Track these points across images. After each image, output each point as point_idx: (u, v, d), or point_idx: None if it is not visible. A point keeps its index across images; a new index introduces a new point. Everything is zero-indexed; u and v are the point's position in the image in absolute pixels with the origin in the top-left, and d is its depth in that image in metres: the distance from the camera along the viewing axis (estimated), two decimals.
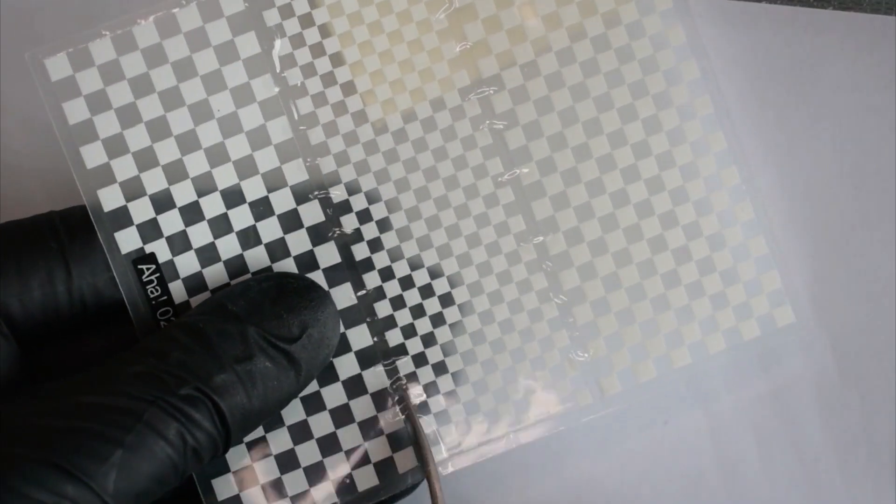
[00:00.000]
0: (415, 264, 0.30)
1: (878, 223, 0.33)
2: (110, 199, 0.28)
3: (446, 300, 0.30)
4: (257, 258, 0.29)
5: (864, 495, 0.32)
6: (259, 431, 0.29)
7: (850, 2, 0.33)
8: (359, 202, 0.29)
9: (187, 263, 0.28)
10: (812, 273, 0.33)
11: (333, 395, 0.29)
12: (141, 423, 0.24)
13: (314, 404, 0.29)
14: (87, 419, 0.24)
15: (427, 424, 0.29)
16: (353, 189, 0.29)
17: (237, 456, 0.29)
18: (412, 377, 0.29)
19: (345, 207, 0.29)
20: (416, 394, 0.29)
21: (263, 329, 0.27)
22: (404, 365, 0.29)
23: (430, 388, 0.30)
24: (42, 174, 0.32)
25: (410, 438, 0.29)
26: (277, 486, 0.29)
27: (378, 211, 0.29)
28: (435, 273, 0.30)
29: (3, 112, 0.33)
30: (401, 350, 0.29)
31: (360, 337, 0.29)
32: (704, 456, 0.32)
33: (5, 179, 0.32)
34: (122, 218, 0.28)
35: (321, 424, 0.29)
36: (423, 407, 0.29)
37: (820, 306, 0.33)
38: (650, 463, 0.32)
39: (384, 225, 0.29)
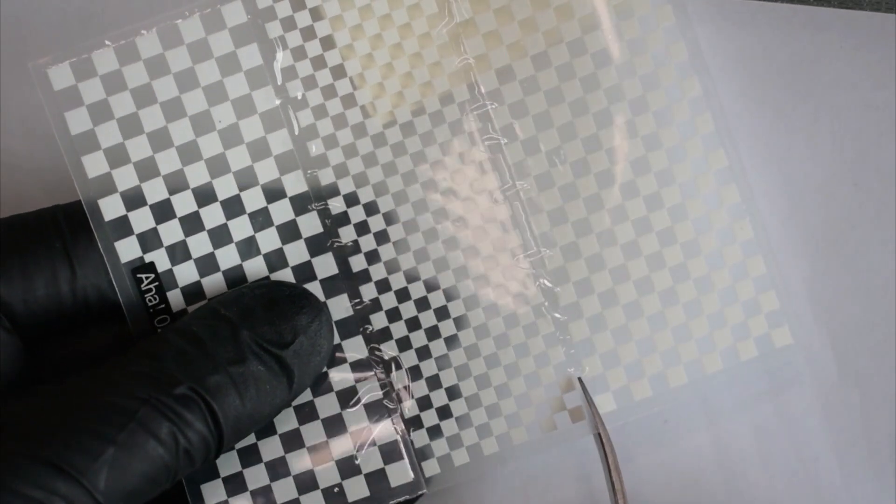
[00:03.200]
0: (411, 276, 0.30)
1: (878, 221, 0.33)
2: (111, 208, 0.29)
3: (442, 313, 0.30)
4: (256, 268, 0.29)
5: (864, 495, 0.32)
6: (251, 439, 0.29)
7: (849, 0, 0.33)
8: (357, 214, 0.30)
9: (186, 273, 0.29)
10: (812, 272, 0.33)
11: (327, 404, 0.29)
12: (134, 422, 0.24)
13: (307, 413, 0.29)
14: (79, 416, 0.24)
15: (419, 438, 0.29)
16: (351, 201, 0.29)
17: (227, 462, 0.29)
18: (406, 390, 0.30)
19: (343, 219, 0.29)
20: (408, 406, 0.30)
21: (256, 334, 0.27)
22: (399, 377, 0.30)
23: (423, 402, 0.30)
24: (42, 173, 0.33)
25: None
26: (266, 494, 0.29)
27: (376, 223, 0.30)
28: (431, 286, 0.30)
29: (3, 112, 0.33)
30: (395, 362, 0.30)
31: (355, 348, 0.29)
32: (704, 455, 0.32)
33: (5, 179, 0.33)
34: (122, 227, 0.29)
35: (314, 433, 0.29)
36: (416, 420, 0.30)
37: (820, 306, 0.32)
38: (649, 462, 0.32)
39: (382, 237, 0.30)
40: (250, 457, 0.29)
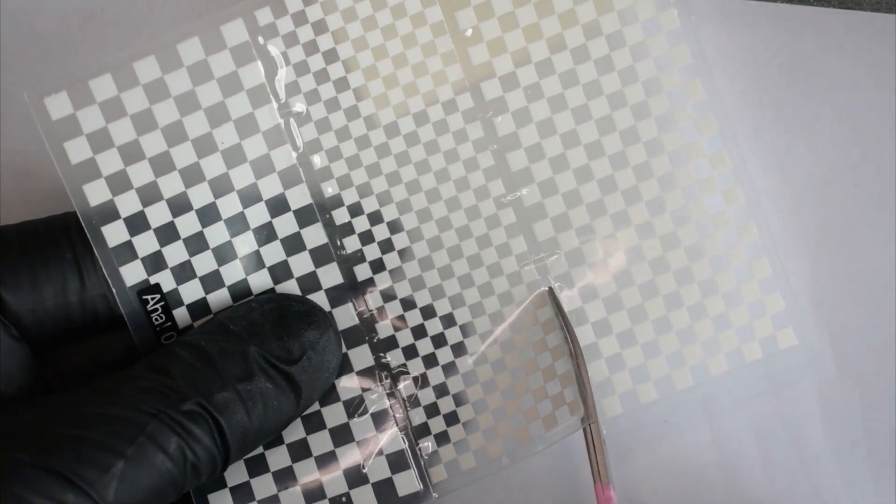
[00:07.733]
0: (417, 285, 0.30)
1: (878, 221, 0.32)
2: (115, 234, 0.29)
3: (448, 321, 0.30)
4: (260, 281, 0.29)
5: (864, 495, 0.32)
6: (258, 449, 0.29)
7: (850, 0, 0.32)
8: (361, 224, 0.30)
9: (191, 291, 0.29)
10: (812, 272, 0.32)
11: (334, 414, 0.30)
12: (143, 436, 0.25)
13: (315, 423, 0.30)
14: (89, 428, 0.24)
15: (427, 446, 0.30)
16: (355, 211, 0.30)
17: (235, 472, 0.29)
18: (413, 399, 0.30)
19: (347, 229, 0.30)
20: (416, 414, 0.30)
21: (264, 350, 0.27)
22: (406, 386, 0.30)
23: (431, 409, 0.30)
24: (43, 174, 0.32)
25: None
26: (274, 503, 0.29)
27: (380, 232, 0.30)
28: (436, 294, 0.30)
29: (3, 113, 0.33)
30: (402, 370, 0.30)
31: (361, 357, 0.30)
32: (704, 455, 0.32)
33: (6, 181, 0.33)
34: (127, 252, 0.29)
35: (321, 443, 0.29)
36: (424, 428, 0.30)
37: (820, 306, 0.32)
38: (650, 462, 0.32)
39: (386, 246, 0.30)
40: (258, 467, 0.29)
